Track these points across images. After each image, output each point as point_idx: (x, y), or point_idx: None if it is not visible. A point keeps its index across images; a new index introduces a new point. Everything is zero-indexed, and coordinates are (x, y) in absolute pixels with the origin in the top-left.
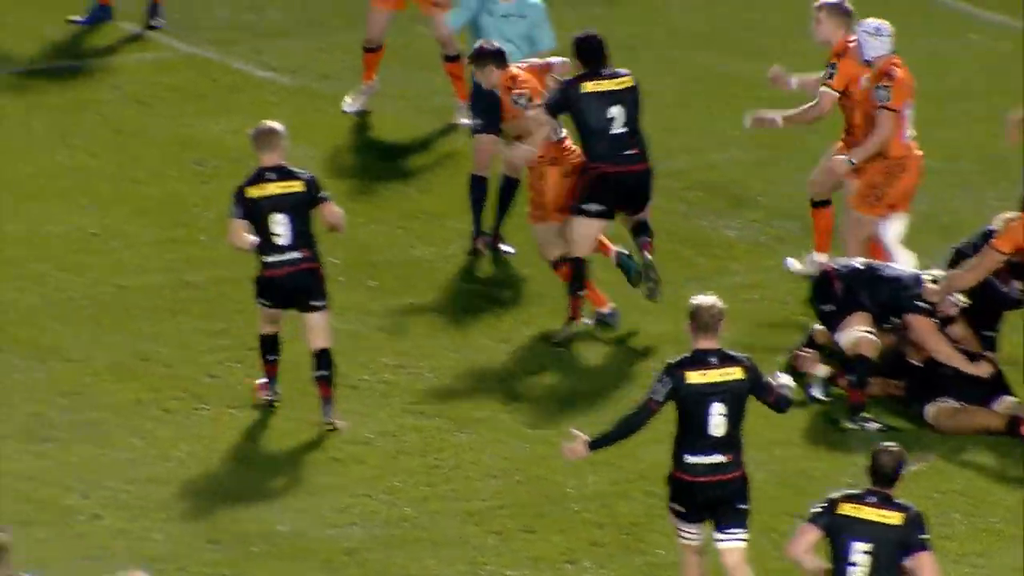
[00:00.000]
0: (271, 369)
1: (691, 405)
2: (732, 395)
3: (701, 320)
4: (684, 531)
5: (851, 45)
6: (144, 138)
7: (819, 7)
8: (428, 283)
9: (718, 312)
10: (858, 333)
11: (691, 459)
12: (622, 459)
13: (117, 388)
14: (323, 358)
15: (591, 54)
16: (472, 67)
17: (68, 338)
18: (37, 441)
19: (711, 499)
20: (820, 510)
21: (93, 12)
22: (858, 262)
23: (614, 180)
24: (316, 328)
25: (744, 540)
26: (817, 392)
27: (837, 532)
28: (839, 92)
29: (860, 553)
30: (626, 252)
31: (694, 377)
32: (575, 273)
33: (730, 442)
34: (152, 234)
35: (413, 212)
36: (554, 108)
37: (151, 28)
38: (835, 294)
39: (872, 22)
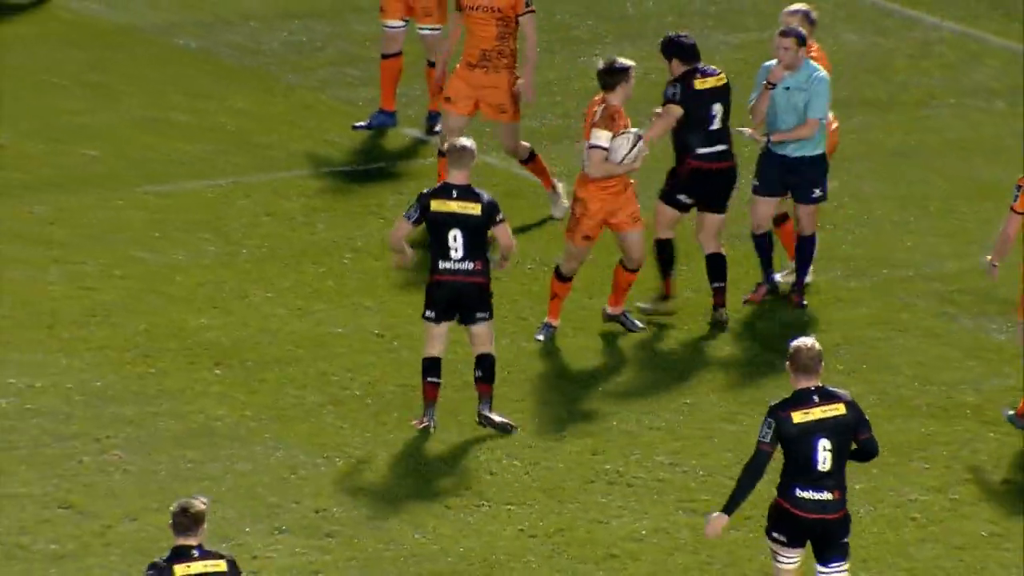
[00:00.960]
0: (432, 392)
1: (797, 443)
2: (837, 430)
3: (800, 361)
4: (784, 557)
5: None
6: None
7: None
8: (704, 381)
9: (816, 353)
10: None
11: (801, 493)
12: (894, 556)
13: (399, 485)
14: (484, 361)
15: (691, 52)
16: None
17: (350, 435)
18: (320, 536)
19: (816, 533)
20: None
21: (375, 117)
22: None
23: (705, 174)
24: (481, 337)
25: (846, 571)
26: None
27: None
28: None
29: None
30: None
31: (798, 416)
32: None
33: (837, 478)
34: None
35: (691, 310)
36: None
37: (433, 133)
38: None
39: None
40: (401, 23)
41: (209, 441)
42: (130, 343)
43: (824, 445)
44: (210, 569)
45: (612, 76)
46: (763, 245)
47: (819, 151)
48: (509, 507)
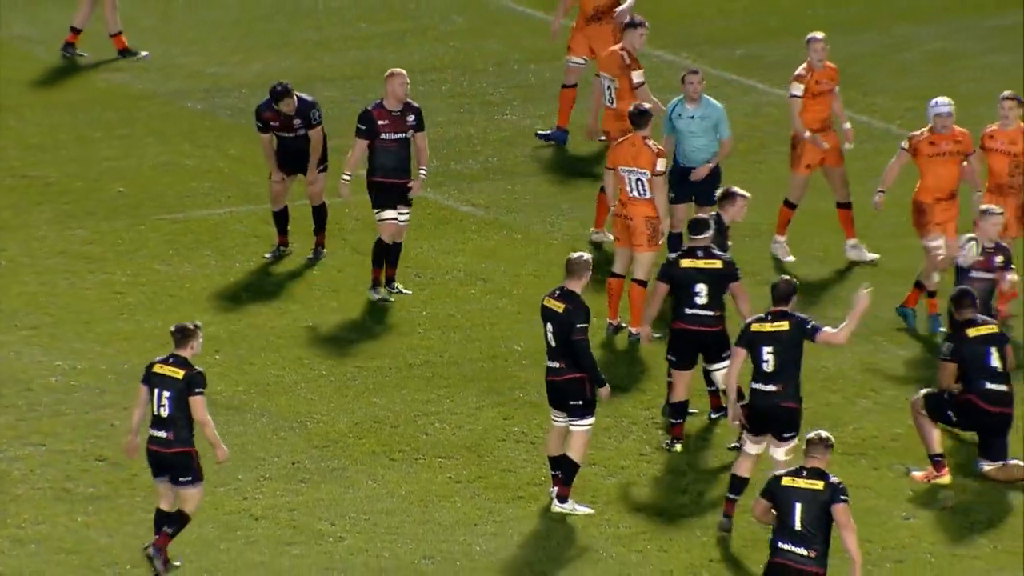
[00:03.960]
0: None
1: (544, 320)
2: (558, 322)
3: (569, 267)
4: (553, 417)
5: None
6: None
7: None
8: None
9: (584, 263)
10: None
11: (549, 364)
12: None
13: (356, 443)
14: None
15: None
16: None
17: (319, 405)
18: (295, 482)
19: (553, 397)
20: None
21: (553, 132)
22: None
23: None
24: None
25: (581, 426)
26: None
27: None
28: None
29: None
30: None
31: (546, 302)
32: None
33: (565, 354)
34: (380, 328)
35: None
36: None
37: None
38: None
39: None
40: (582, 60)
41: (211, 410)
42: (150, 335)
43: (550, 328)
44: (170, 373)
45: (642, 116)
46: (677, 245)
47: (716, 161)
48: (440, 459)
